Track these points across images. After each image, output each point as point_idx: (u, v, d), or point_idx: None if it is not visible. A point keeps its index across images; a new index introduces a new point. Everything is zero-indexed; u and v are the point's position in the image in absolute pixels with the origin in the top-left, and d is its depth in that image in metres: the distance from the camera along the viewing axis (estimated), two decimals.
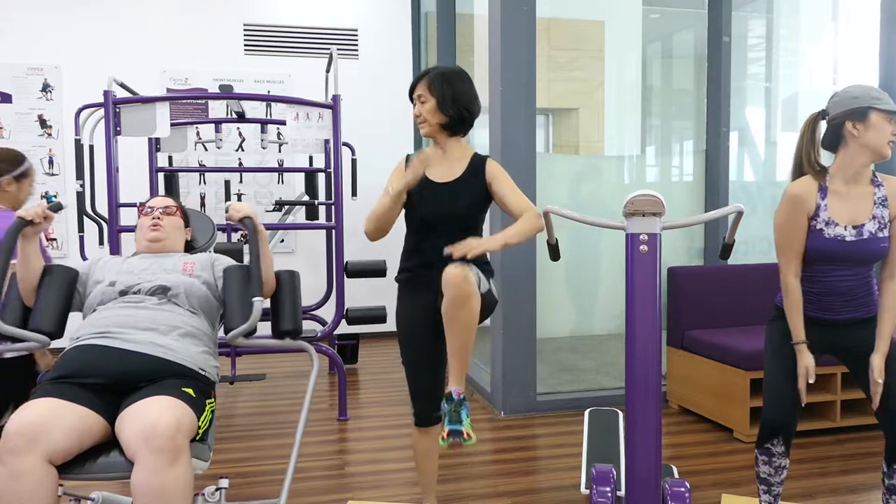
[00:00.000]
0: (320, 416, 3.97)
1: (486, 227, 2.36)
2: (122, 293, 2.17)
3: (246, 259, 2.37)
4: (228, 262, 2.37)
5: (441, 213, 2.18)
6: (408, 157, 2.27)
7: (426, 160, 2.17)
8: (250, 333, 2.19)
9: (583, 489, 2.61)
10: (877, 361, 2.07)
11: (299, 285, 2.40)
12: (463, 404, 2.05)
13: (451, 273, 1.93)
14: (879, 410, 2.11)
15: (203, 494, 2.02)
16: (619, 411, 2.94)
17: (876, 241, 2.06)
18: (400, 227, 2.27)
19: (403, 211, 2.24)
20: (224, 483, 2.04)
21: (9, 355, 2.55)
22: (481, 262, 2.23)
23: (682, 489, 2.15)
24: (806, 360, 2.12)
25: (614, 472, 2.27)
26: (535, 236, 2.63)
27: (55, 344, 2.20)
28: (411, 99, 2.24)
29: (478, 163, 2.24)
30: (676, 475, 2.80)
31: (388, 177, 2.26)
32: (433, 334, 2.26)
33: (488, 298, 2.13)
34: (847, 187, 2.08)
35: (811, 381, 2.11)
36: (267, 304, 2.38)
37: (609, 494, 2.20)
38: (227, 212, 2.28)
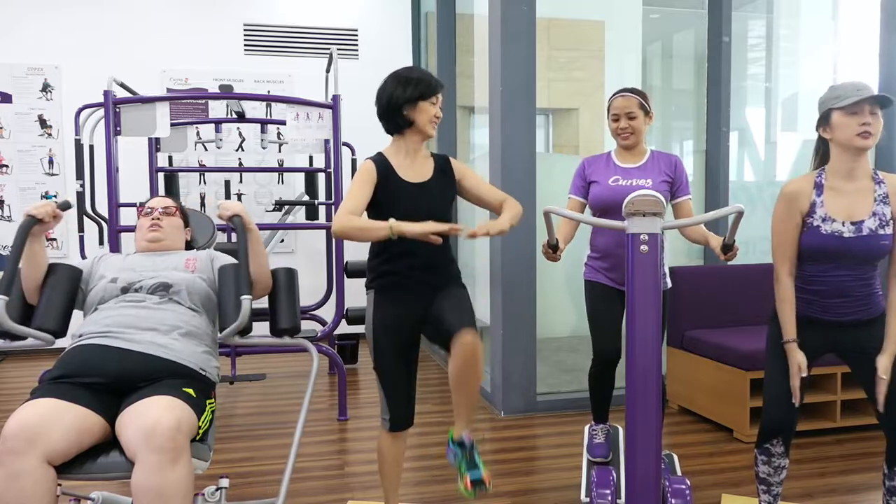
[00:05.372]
0: (320, 416, 3.97)
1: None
2: (124, 290, 2.17)
3: None
4: (226, 259, 2.36)
5: (420, 214, 2.09)
6: (374, 162, 2.14)
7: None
8: (245, 332, 2.17)
9: (583, 497, 2.61)
10: (884, 361, 2.06)
11: (297, 283, 2.38)
12: (475, 448, 2.13)
13: (466, 341, 1.96)
14: (882, 411, 2.10)
15: (203, 494, 2.02)
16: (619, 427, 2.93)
17: (876, 238, 2.04)
18: None
19: (371, 215, 2.17)
20: (224, 483, 2.04)
21: None
22: (454, 272, 2.23)
23: (683, 486, 2.15)
24: (797, 358, 2.11)
25: (614, 475, 2.28)
26: (534, 236, 2.60)
27: (58, 343, 2.19)
28: (431, 98, 2.13)
29: (442, 162, 2.23)
30: (677, 462, 2.80)
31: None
32: (415, 340, 2.23)
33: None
34: (844, 183, 2.08)
35: (804, 374, 2.10)
36: (265, 302, 2.37)
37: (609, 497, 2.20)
38: (218, 209, 2.27)
